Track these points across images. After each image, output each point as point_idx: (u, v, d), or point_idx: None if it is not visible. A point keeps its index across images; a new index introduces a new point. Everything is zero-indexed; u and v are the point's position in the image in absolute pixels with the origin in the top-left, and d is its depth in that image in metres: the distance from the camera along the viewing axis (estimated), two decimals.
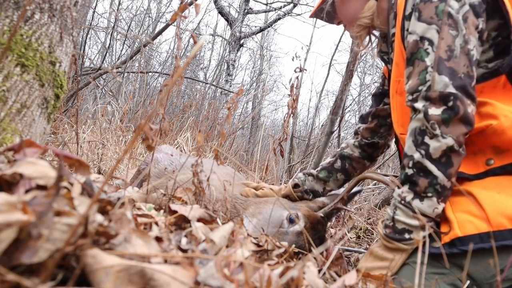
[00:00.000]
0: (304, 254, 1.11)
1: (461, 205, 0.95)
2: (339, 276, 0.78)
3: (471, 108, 0.93)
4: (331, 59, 4.03)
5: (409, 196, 0.95)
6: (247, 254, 0.61)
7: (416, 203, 0.94)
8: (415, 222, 0.95)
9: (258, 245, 0.72)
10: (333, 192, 1.52)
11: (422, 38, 0.98)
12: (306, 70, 1.91)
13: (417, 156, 0.94)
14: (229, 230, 0.65)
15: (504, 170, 0.97)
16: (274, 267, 0.53)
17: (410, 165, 0.96)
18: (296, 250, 1.08)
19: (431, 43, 0.97)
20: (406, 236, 0.96)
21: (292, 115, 1.84)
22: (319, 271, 0.74)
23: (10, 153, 0.61)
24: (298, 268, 0.49)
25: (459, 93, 0.91)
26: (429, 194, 0.93)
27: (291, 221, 1.27)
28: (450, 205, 0.97)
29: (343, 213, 2.27)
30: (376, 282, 0.74)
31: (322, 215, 1.38)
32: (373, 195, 3.36)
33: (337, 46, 3.98)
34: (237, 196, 1.40)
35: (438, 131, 0.92)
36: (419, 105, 0.95)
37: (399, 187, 1.00)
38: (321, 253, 0.96)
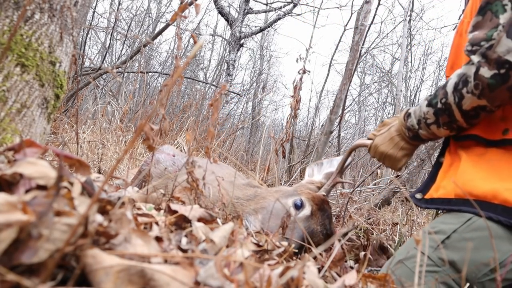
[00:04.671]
0: (308, 251, 1.11)
1: (451, 174, 1.09)
2: (340, 276, 0.78)
3: None
4: (331, 59, 4.03)
5: (430, 120, 1.11)
6: (247, 254, 0.61)
7: (434, 128, 1.11)
8: (432, 137, 1.17)
9: (258, 245, 0.72)
10: (329, 170, 1.53)
11: None
12: (309, 72, 1.92)
13: (451, 99, 1.03)
14: (229, 230, 0.65)
15: (509, 143, 0.99)
16: (274, 267, 0.53)
17: (442, 100, 1.06)
18: (296, 250, 1.07)
19: None
20: (426, 140, 1.21)
21: (294, 116, 1.84)
22: (319, 270, 0.74)
23: (10, 153, 0.61)
24: (298, 268, 0.49)
25: None
26: (445, 127, 1.09)
27: (297, 207, 1.26)
28: (445, 173, 1.11)
29: (343, 213, 2.27)
30: (377, 282, 0.74)
31: (324, 193, 1.38)
32: (373, 195, 3.36)
33: (337, 46, 3.99)
34: (238, 196, 1.40)
35: (477, 91, 0.95)
36: (475, 58, 0.95)
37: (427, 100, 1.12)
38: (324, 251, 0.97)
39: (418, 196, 1.12)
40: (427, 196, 1.10)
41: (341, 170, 1.44)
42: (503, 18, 0.92)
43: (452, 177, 1.05)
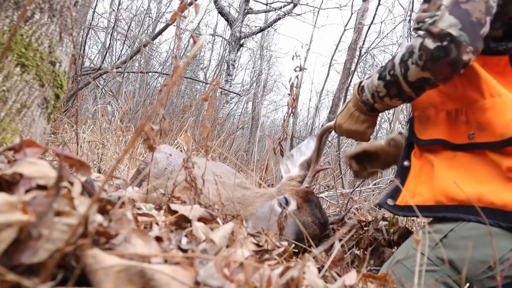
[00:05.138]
0: (308, 251, 1.11)
1: (424, 179, 1.08)
2: (340, 276, 0.78)
3: (468, 56, 0.93)
4: (331, 59, 4.03)
5: (382, 93, 1.12)
6: (247, 254, 0.61)
7: (387, 100, 1.13)
8: (388, 107, 1.19)
9: (258, 245, 0.72)
10: (302, 160, 1.54)
11: None
12: (306, 69, 1.92)
13: (397, 71, 1.04)
14: (229, 230, 0.65)
15: (478, 147, 1.00)
16: (274, 267, 0.53)
17: (391, 72, 1.07)
18: (296, 250, 1.07)
19: None
20: (382, 111, 1.24)
21: (292, 114, 1.84)
22: (319, 270, 0.74)
23: (10, 153, 0.61)
24: (298, 268, 0.49)
25: (459, 38, 0.91)
26: (397, 99, 1.11)
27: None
28: (417, 178, 1.10)
29: (342, 213, 2.27)
30: (377, 282, 0.74)
31: (307, 185, 1.39)
32: (373, 195, 3.36)
33: (337, 46, 3.99)
34: (228, 197, 1.40)
35: (421, 63, 0.97)
36: (421, 32, 0.98)
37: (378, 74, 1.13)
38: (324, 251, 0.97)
39: (390, 202, 1.11)
40: (400, 203, 1.09)
41: (317, 159, 1.45)
42: (446, 1, 0.95)
43: (430, 184, 1.05)
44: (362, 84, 1.21)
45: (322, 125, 5.92)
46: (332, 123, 1.37)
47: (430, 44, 0.94)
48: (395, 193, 1.12)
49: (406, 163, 1.16)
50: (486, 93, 1.01)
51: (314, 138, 1.55)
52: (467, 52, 0.92)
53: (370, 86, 1.16)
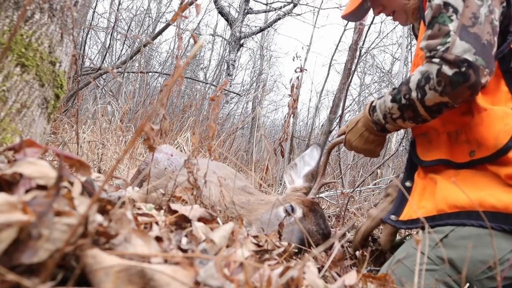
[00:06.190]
0: (308, 251, 1.11)
1: (427, 196, 1.10)
2: (340, 276, 0.78)
3: (485, 79, 0.96)
4: (331, 59, 4.03)
5: (396, 115, 1.14)
6: (247, 254, 0.60)
7: (400, 122, 1.15)
8: (399, 128, 1.22)
9: (258, 245, 0.72)
10: (306, 171, 1.55)
11: (446, 4, 1.00)
12: (306, 70, 1.92)
13: (413, 95, 1.06)
14: (229, 230, 0.65)
15: (479, 163, 1.02)
16: (274, 267, 0.53)
17: (406, 96, 1.08)
18: (296, 250, 1.08)
19: (455, 10, 0.99)
20: (392, 132, 1.26)
21: (292, 115, 1.84)
22: (319, 270, 0.74)
23: (10, 153, 0.61)
24: (298, 268, 0.49)
25: (476, 62, 0.93)
26: (411, 121, 1.12)
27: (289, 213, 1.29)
28: (421, 196, 1.11)
29: (343, 213, 2.27)
30: (377, 282, 0.74)
31: (313, 196, 1.41)
32: (373, 195, 3.36)
33: (337, 46, 3.99)
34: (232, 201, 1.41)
35: (440, 88, 0.99)
36: (435, 60, 0.99)
37: (390, 95, 1.14)
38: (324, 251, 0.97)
39: (393, 218, 1.14)
40: (404, 218, 1.11)
41: (324, 172, 1.48)
42: (452, 26, 0.98)
43: (433, 198, 1.07)
44: (373, 104, 1.22)
45: (322, 125, 5.92)
46: (341, 138, 1.40)
47: (448, 70, 0.96)
48: (397, 210, 1.14)
49: (408, 183, 1.19)
50: (474, 111, 1.04)
51: (318, 147, 1.57)
52: (484, 75, 0.95)
53: (382, 107, 1.17)
